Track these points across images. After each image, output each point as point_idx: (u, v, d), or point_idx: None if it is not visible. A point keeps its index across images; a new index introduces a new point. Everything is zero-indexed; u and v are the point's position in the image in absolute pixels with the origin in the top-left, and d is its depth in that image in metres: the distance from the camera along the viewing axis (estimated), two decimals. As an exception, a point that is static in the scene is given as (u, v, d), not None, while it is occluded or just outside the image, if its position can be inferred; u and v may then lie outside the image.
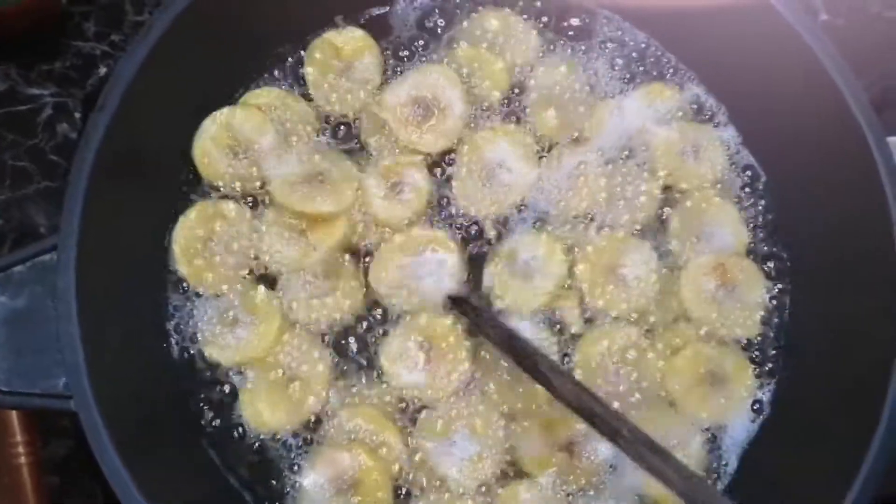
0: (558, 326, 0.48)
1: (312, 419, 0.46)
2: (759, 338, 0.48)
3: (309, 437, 0.47)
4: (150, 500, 0.37)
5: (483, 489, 0.46)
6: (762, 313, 0.48)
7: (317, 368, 0.46)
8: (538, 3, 0.52)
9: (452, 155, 0.49)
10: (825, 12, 0.71)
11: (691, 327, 0.48)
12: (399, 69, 0.50)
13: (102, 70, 0.65)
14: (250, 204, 0.49)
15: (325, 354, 0.47)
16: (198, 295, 0.48)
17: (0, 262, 0.40)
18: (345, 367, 0.47)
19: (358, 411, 0.46)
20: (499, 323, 0.44)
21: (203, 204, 0.48)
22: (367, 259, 0.48)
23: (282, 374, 0.47)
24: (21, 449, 0.47)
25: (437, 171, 0.50)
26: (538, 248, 0.48)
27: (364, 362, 0.47)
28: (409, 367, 0.46)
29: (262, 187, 0.49)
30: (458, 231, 0.49)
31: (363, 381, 0.47)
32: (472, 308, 0.45)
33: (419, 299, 0.47)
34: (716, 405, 0.47)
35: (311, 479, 0.45)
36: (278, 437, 0.46)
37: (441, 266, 0.47)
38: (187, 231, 0.47)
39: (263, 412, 0.46)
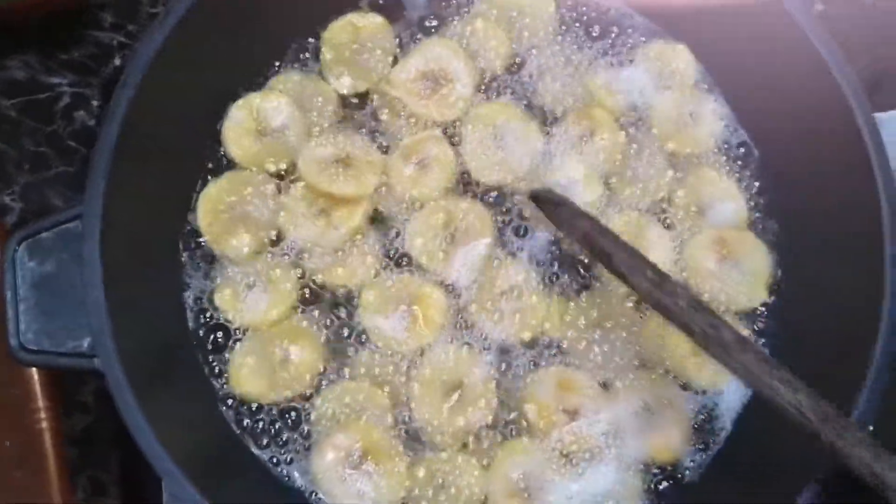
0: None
1: (296, 404, 0.48)
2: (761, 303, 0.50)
3: (296, 416, 0.48)
4: (167, 448, 0.39)
5: (485, 444, 0.47)
6: (767, 284, 0.50)
7: (310, 356, 0.48)
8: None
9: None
10: (821, 2, 0.73)
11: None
12: (411, 48, 0.52)
13: (118, 60, 0.67)
14: (278, 179, 0.51)
15: (318, 345, 0.49)
16: (216, 262, 0.49)
17: (29, 228, 0.42)
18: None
19: (339, 390, 0.48)
20: (582, 213, 0.45)
21: (232, 173, 0.50)
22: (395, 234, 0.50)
23: (275, 349, 0.48)
24: (43, 414, 0.49)
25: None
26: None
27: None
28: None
29: (286, 168, 0.51)
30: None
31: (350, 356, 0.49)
32: (554, 202, 0.46)
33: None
34: (711, 372, 0.49)
35: (323, 465, 0.47)
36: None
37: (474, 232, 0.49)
38: (214, 196, 0.49)
39: (245, 376, 0.48)
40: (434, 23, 0.53)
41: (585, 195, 0.50)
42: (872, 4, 0.73)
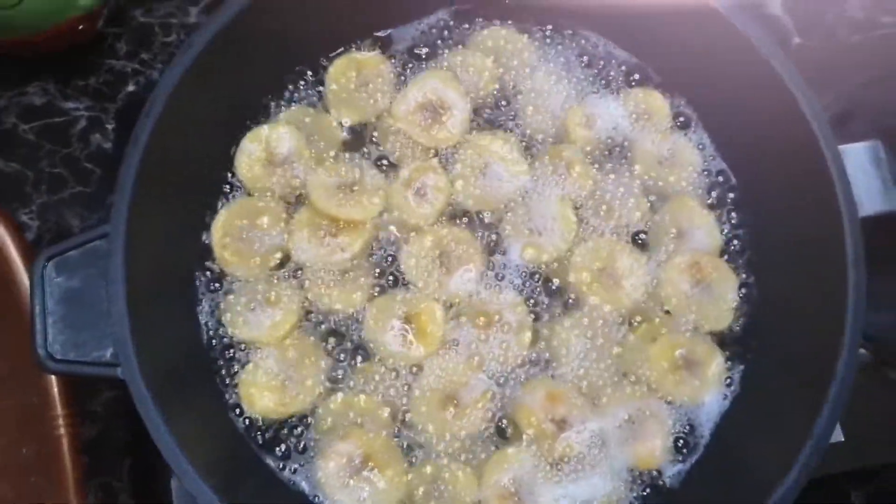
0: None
1: (301, 418, 0.51)
2: (731, 325, 0.54)
3: (302, 427, 0.51)
4: (184, 449, 0.42)
5: (471, 456, 0.51)
6: (733, 308, 0.53)
7: (315, 371, 0.51)
8: (534, 23, 0.58)
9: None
10: (798, 36, 0.78)
11: (669, 319, 0.53)
12: (406, 75, 0.56)
13: (132, 86, 0.71)
14: (286, 205, 0.54)
15: (323, 361, 0.52)
16: (225, 279, 0.53)
17: (59, 247, 0.45)
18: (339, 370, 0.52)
19: (341, 401, 0.51)
20: None
21: (244, 200, 0.53)
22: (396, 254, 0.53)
23: (282, 366, 0.51)
24: (61, 422, 0.52)
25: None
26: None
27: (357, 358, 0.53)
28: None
29: (295, 194, 0.54)
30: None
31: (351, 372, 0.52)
32: None
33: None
34: (691, 387, 0.52)
35: (325, 471, 0.50)
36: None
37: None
38: (227, 221, 0.53)
39: (254, 395, 0.51)
40: (424, 50, 0.57)
41: (562, 230, 0.53)
42: (847, 39, 0.78)
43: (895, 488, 0.67)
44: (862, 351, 0.61)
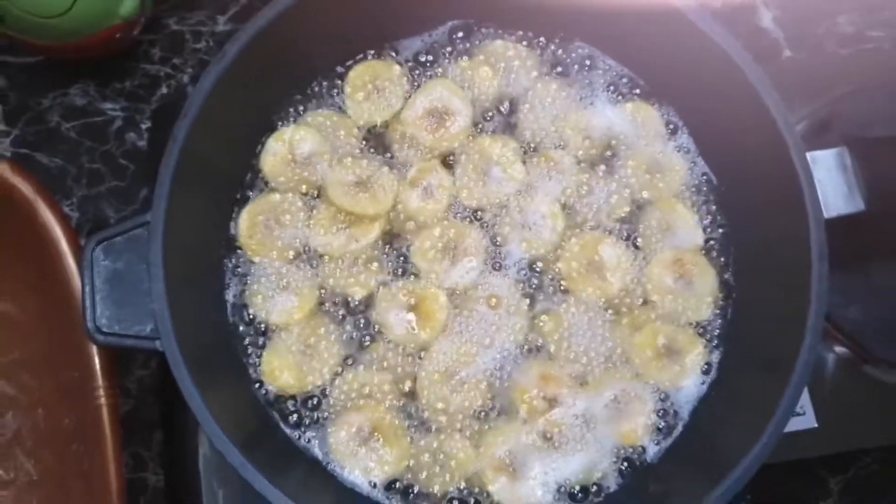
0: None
1: (318, 390, 0.57)
2: (710, 315, 0.58)
3: (317, 400, 0.57)
4: (219, 423, 0.48)
5: (470, 431, 0.56)
6: (712, 301, 0.58)
7: (330, 350, 0.57)
8: (532, 35, 0.63)
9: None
10: (788, 49, 0.82)
11: (653, 310, 0.58)
12: (414, 87, 0.61)
13: (165, 89, 0.76)
14: (307, 199, 0.59)
15: (338, 341, 0.57)
16: (250, 265, 0.58)
17: (106, 233, 0.50)
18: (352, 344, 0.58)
19: (354, 377, 0.56)
20: None
21: (269, 194, 0.59)
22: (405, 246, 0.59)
23: (301, 346, 0.56)
24: (102, 392, 0.57)
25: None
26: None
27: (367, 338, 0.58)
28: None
29: (316, 190, 0.59)
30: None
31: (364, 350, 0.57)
32: None
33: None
34: (672, 372, 0.57)
35: (336, 439, 0.55)
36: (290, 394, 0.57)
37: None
38: (253, 213, 0.58)
39: (275, 371, 0.56)
40: (429, 57, 0.62)
41: (551, 226, 0.58)
42: (836, 52, 0.82)
43: (870, 476, 0.72)
44: (842, 349, 0.66)
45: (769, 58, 0.81)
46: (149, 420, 0.70)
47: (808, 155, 0.53)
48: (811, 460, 0.70)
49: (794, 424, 0.64)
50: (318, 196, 0.59)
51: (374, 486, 0.55)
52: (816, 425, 0.64)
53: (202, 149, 0.53)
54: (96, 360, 0.57)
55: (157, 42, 0.77)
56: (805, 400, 0.64)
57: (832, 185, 0.54)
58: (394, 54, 0.62)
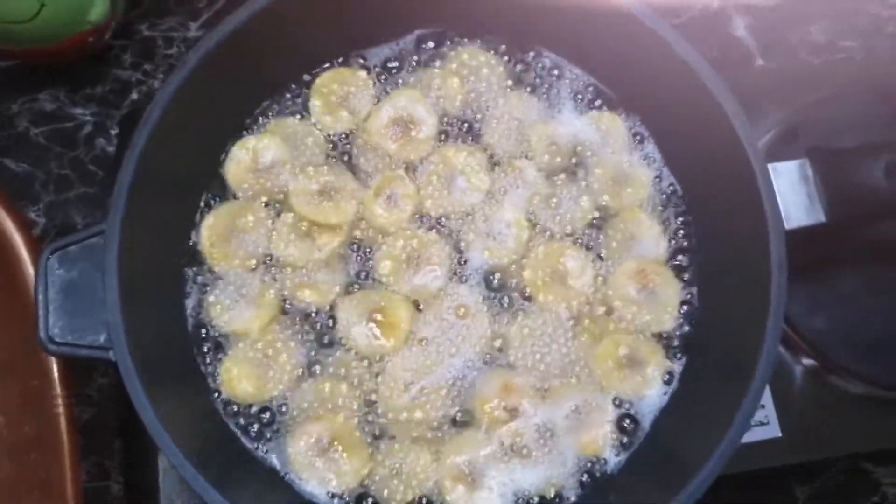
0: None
1: (275, 401, 0.56)
2: (672, 326, 0.58)
3: (277, 410, 0.56)
4: (171, 434, 0.47)
5: (432, 441, 0.55)
6: (675, 312, 0.58)
7: (290, 360, 0.56)
8: (499, 44, 0.63)
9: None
10: (761, 58, 0.82)
11: (616, 320, 0.58)
12: (384, 94, 0.61)
13: (135, 94, 0.76)
14: (270, 207, 0.59)
15: (298, 350, 0.56)
16: (212, 274, 0.58)
17: (61, 242, 0.50)
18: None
19: (313, 386, 0.56)
20: None
21: (232, 203, 0.59)
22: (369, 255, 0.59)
23: (260, 355, 0.56)
24: (60, 401, 0.57)
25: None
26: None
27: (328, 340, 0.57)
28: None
29: (280, 198, 0.59)
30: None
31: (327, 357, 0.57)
32: None
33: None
34: (633, 383, 0.56)
35: (294, 450, 0.54)
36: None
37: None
38: (215, 222, 0.58)
39: (234, 380, 0.55)
40: (396, 65, 0.62)
41: (516, 235, 0.58)
42: (808, 61, 0.82)
43: (838, 486, 0.72)
44: (809, 360, 0.66)
45: (742, 66, 0.81)
46: (110, 428, 0.69)
47: (770, 166, 0.54)
48: (778, 470, 0.70)
49: (759, 434, 0.64)
50: (282, 204, 0.59)
51: (333, 497, 0.55)
52: (780, 434, 0.64)
53: (163, 157, 0.53)
54: (55, 369, 0.57)
55: (129, 48, 0.77)
56: (770, 410, 0.64)
57: (793, 196, 0.55)
58: (361, 62, 0.62)
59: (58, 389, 0.57)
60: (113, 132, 0.75)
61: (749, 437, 0.64)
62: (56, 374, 0.57)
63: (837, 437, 0.66)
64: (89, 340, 0.49)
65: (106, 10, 0.68)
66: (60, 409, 0.57)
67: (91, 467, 0.69)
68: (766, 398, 0.65)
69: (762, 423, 0.64)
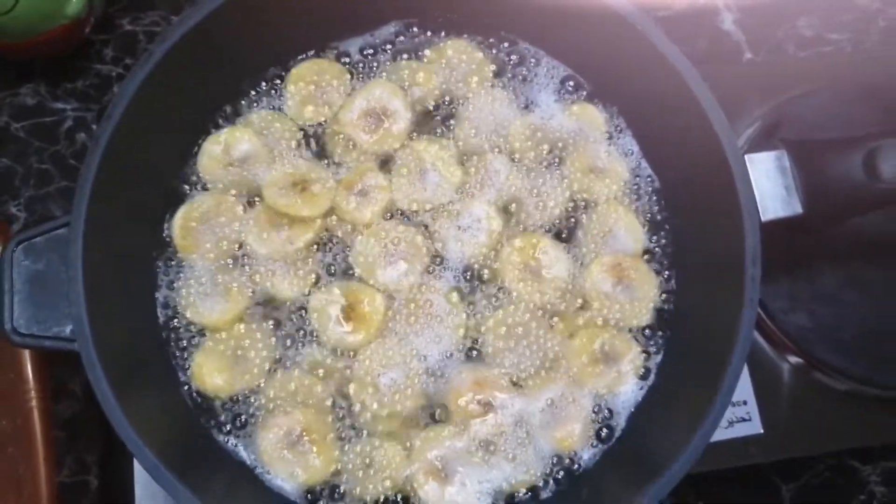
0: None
1: (246, 395, 0.55)
2: (649, 321, 0.57)
3: (247, 403, 0.56)
4: (135, 426, 0.47)
5: (404, 435, 0.55)
6: (652, 306, 0.57)
7: (261, 353, 0.56)
8: (476, 36, 0.62)
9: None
10: (749, 51, 0.81)
11: (591, 315, 0.57)
12: (359, 85, 0.60)
13: (116, 89, 0.76)
14: (243, 200, 0.58)
15: (270, 343, 0.56)
16: (183, 266, 0.57)
17: (27, 233, 0.50)
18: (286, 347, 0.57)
19: (284, 379, 0.55)
20: None
21: (204, 195, 0.58)
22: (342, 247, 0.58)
23: (231, 348, 0.55)
24: (32, 394, 0.57)
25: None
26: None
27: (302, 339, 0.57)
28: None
29: (253, 191, 0.58)
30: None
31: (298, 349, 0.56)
32: None
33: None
34: (609, 378, 0.56)
35: (264, 442, 0.54)
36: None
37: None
38: (188, 214, 0.57)
39: (205, 373, 0.55)
40: (371, 57, 0.61)
41: (489, 228, 0.57)
42: (795, 54, 0.82)
43: (823, 483, 0.71)
44: (795, 358, 0.65)
45: (730, 60, 0.81)
46: (93, 424, 0.69)
47: (747, 157, 0.53)
48: (763, 467, 0.69)
49: (740, 430, 0.63)
50: (255, 197, 0.59)
51: (303, 490, 0.54)
52: (762, 431, 0.63)
53: (131, 150, 0.52)
54: (28, 362, 0.57)
55: (110, 42, 0.77)
56: (752, 406, 0.64)
57: (771, 187, 0.54)
58: (336, 53, 0.62)
59: (31, 383, 0.57)
60: (94, 127, 0.75)
61: (731, 433, 0.63)
62: (29, 368, 0.57)
63: (821, 434, 0.65)
64: (54, 332, 0.49)
65: (83, 4, 0.68)
66: (34, 403, 0.57)
67: (73, 462, 0.68)
68: (749, 394, 0.65)
69: (744, 420, 0.63)
